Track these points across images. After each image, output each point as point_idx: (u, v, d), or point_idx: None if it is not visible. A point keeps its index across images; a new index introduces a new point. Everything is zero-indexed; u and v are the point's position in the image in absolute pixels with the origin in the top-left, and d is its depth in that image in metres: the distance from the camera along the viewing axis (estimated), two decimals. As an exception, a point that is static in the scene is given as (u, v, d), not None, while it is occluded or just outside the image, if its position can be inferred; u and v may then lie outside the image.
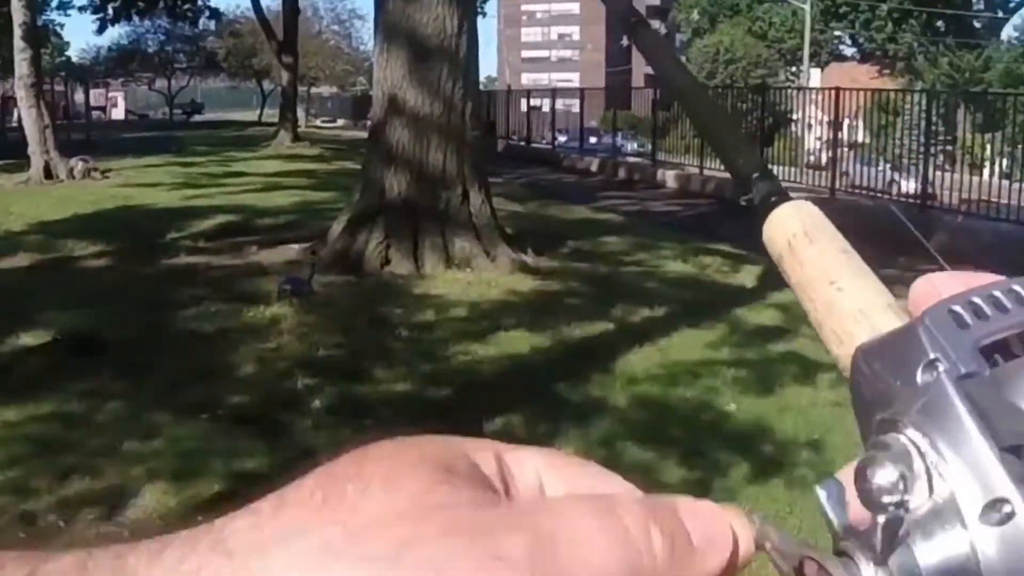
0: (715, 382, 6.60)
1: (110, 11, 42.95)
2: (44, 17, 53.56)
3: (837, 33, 72.19)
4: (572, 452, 4.06)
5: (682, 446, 5.39)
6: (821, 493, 0.44)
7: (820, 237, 0.61)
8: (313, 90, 74.10)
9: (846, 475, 0.44)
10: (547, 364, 6.94)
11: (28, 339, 7.28)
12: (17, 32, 20.57)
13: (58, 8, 61.47)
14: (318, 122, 70.13)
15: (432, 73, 10.29)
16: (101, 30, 49.81)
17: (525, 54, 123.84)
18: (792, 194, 0.67)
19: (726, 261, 11.48)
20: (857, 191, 18.93)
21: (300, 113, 44.78)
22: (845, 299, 0.58)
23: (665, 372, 6.75)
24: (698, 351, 7.33)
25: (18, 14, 20.49)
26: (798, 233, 0.62)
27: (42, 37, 31.62)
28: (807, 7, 51.47)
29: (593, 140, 34.31)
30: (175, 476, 4.73)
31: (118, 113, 69.25)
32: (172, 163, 25.06)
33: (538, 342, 7.43)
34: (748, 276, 10.70)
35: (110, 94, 69.90)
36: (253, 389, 6.18)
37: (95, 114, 54.79)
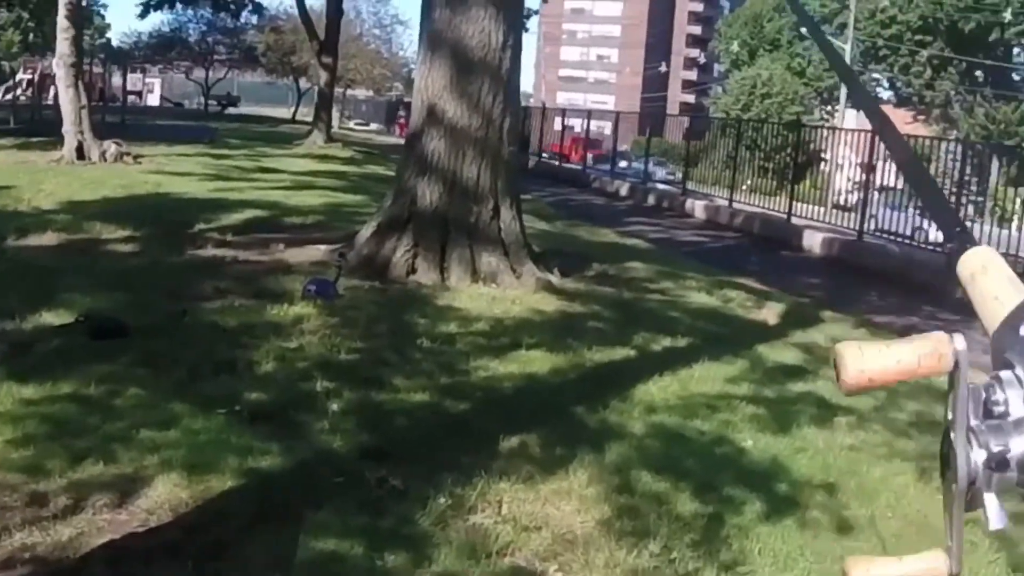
0: (733, 417, 6.54)
1: (155, -3, 43.31)
2: (89, -2, 53.87)
3: (875, 76, 72.02)
4: (586, 477, 4.05)
5: (696, 479, 5.34)
6: None
7: (992, 269, 1.00)
8: (348, 92, 74.28)
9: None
10: (566, 386, 6.91)
11: (51, 318, 7.28)
12: (62, 11, 20.61)
13: (104, -10, 61.86)
14: (351, 124, 70.46)
15: (473, 86, 10.27)
16: (144, 15, 50.18)
17: (562, 72, 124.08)
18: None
19: (750, 296, 11.43)
20: (884, 235, 18.91)
21: (334, 114, 44.87)
22: (1001, 308, 0.95)
23: (683, 403, 6.70)
24: (717, 385, 7.27)
25: (65, -7, 20.56)
26: (978, 268, 1.01)
27: (86, 18, 31.75)
28: (847, 47, 51.29)
29: (623, 164, 34.29)
30: (189, 468, 4.72)
31: (153, 99, 69.46)
32: (204, 154, 25.09)
33: (558, 363, 7.40)
34: (771, 313, 10.65)
35: (147, 80, 70.08)
36: (271, 387, 6.18)
37: (131, 98, 54.89)
